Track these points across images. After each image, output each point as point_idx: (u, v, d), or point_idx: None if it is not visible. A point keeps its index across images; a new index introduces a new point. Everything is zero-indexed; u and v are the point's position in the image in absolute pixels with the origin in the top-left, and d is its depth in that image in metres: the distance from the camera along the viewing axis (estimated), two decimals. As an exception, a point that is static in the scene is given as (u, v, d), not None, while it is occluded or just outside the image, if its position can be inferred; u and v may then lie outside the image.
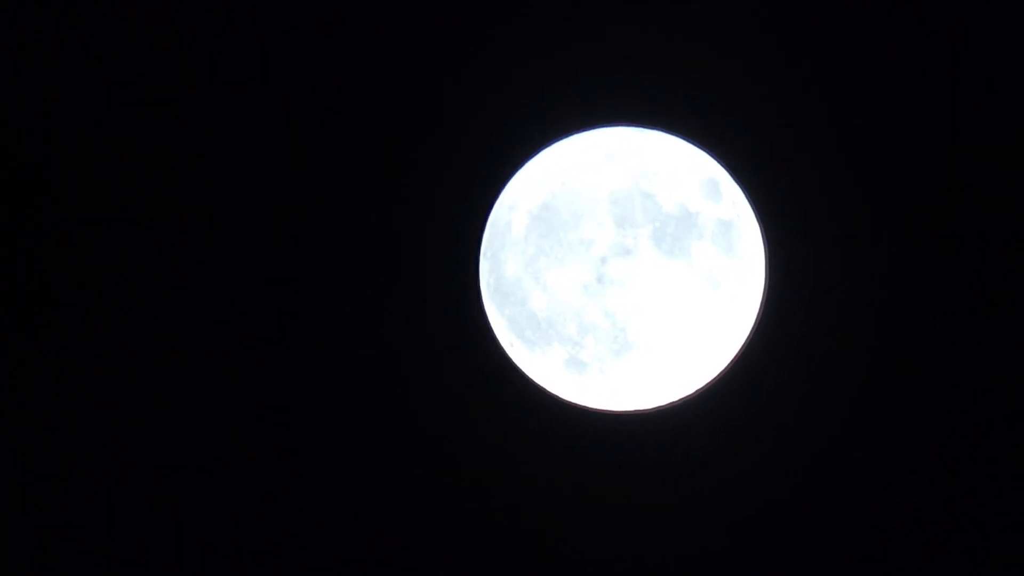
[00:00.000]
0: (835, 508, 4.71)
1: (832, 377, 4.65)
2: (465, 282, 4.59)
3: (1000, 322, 4.59)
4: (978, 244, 4.56)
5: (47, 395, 4.62)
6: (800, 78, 4.49)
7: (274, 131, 4.54)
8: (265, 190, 4.56)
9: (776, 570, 4.72)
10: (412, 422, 4.68)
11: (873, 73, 4.48)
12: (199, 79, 4.50)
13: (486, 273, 4.64)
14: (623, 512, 4.72)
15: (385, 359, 4.64)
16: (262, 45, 4.50)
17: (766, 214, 4.59)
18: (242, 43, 4.49)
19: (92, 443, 4.65)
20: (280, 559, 4.74)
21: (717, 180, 4.64)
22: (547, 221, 4.60)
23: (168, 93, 4.51)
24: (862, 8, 4.45)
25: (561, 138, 4.60)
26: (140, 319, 4.61)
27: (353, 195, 4.58)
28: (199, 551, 4.72)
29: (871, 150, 4.51)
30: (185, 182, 4.56)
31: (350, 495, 4.74)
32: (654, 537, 4.72)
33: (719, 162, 4.61)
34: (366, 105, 4.53)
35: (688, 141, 4.62)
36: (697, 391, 4.67)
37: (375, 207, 4.57)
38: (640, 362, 4.63)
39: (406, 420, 4.68)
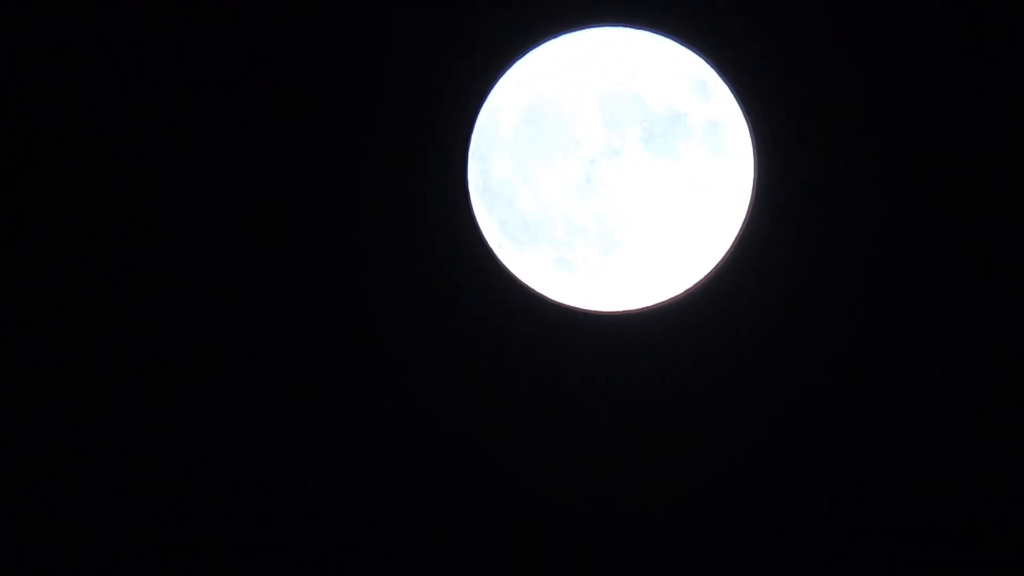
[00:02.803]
0: (829, 419, 4.73)
1: (822, 276, 4.65)
2: (453, 182, 4.56)
3: (993, 215, 4.58)
4: (968, 142, 4.54)
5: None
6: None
7: (256, 31, 4.50)
8: (244, 100, 4.53)
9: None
10: (400, 325, 4.68)
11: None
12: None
13: (475, 174, 4.64)
14: (613, 413, 4.73)
15: (373, 261, 4.63)
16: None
17: (754, 113, 4.57)
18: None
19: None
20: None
21: (705, 80, 4.64)
22: (535, 122, 4.60)
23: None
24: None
25: (549, 38, 4.57)
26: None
27: (340, 94, 4.55)
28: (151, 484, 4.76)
29: (860, 46, 4.48)
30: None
31: (344, 407, 4.76)
32: (640, 439, 4.75)
33: (707, 62, 4.59)
34: (349, 10, 4.49)
35: (677, 41, 4.59)
36: (686, 291, 4.68)
37: (362, 106, 4.54)
38: (629, 263, 4.65)
39: (393, 323, 4.67)
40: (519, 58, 4.57)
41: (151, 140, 4.53)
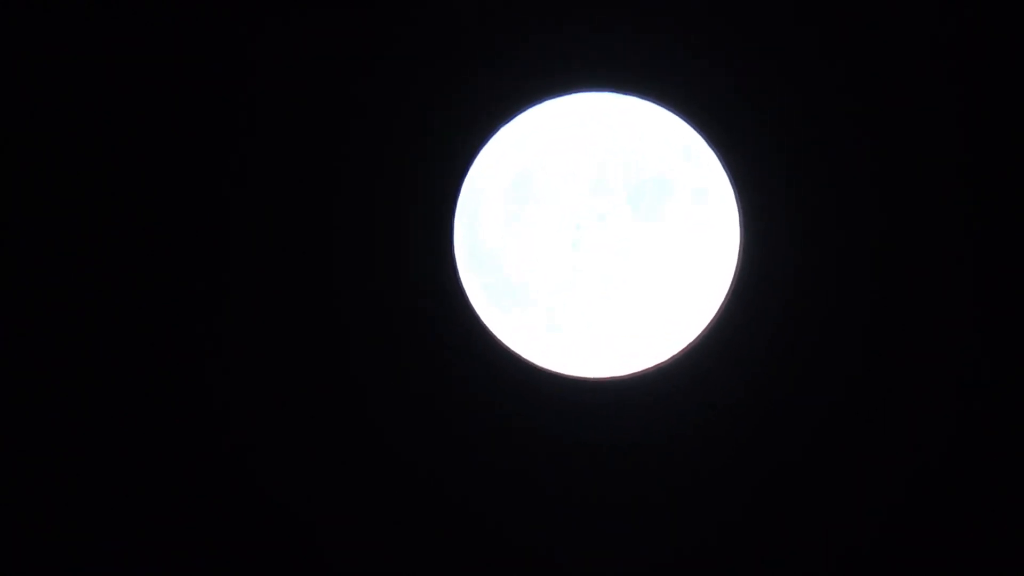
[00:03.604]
0: (814, 479, 4.69)
1: (808, 343, 4.64)
2: (440, 246, 4.55)
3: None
4: (949, 219, 4.58)
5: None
6: (776, 44, 4.51)
7: (236, 98, 4.51)
8: (227, 175, 4.53)
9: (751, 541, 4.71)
10: (385, 390, 4.62)
11: (848, 43, 4.51)
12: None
13: (461, 238, 4.61)
14: (598, 476, 4.67)
15: (359, 324, 4.59)
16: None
17: (741, 180, 4.59)
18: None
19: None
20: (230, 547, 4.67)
21: (692, 146, 4.66)
22: (522, 187, 4.60)
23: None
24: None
25: (537, 102, 4.59)
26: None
27: (327, 157, 4.54)
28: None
29: (846, 118, 4.53)
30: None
31: (326, 463, 4.68)
32: (628, 500, 4.69)
33: (694, 128, 4.61)
34: (340, 64, 4.50)
35: (665, 107, 4.62)
36: (673, 356, 4.65)
37: (347, 173, 4.53)
38: (616, 328, 4.62)
39: (378, 388, 4.62)
40: (506, 123, 4.59)
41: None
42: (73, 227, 4.52)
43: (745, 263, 4.61)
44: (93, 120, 4.48)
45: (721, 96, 4.53)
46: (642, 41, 4.51)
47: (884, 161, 4.53)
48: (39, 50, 4.46)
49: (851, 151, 4.53)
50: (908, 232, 4.55)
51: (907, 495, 4.66)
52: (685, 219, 4.61)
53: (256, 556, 4.70)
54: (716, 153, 4.61)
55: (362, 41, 4.46)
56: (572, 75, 4.56)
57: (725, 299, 4.64)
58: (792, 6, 4.46)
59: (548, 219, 4.56)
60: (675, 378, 4.64)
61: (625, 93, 4.61)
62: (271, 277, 4.55)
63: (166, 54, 4.47)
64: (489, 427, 4.65)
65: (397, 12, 4.43)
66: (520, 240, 4.56)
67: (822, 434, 4.64)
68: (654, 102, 4.61)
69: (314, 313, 4.60)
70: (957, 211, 4.54)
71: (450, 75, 4.51)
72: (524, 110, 4.59)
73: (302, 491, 4.66)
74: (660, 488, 4.70)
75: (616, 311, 4.60)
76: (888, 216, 4.53)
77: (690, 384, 4.65)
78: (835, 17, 4.48)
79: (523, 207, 4.58)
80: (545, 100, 4.59)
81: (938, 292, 4.58)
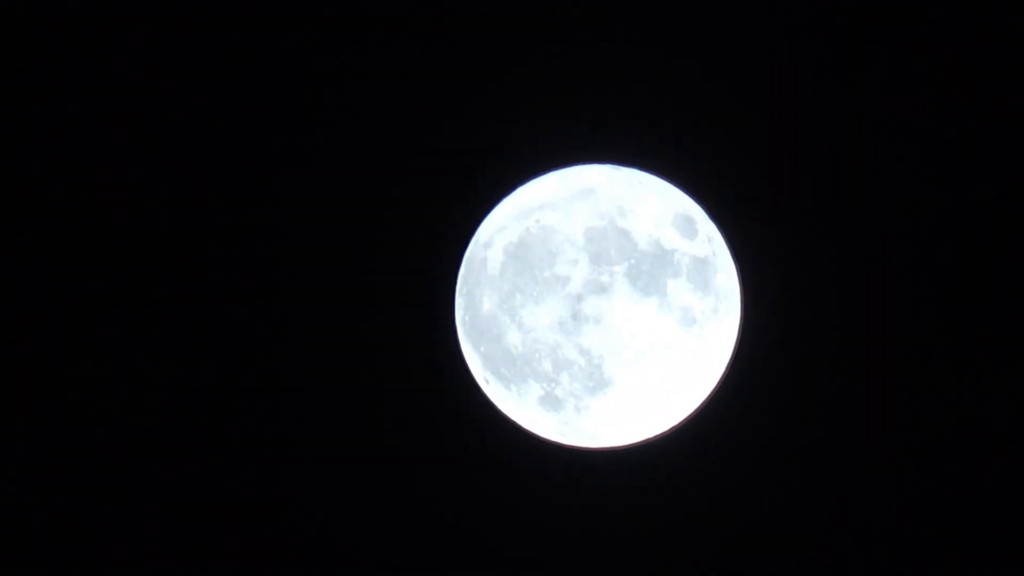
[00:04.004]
0: (811, 541, 4.70)
1: (807, 413, 4.65)
2: (440, 319, 4.58)
3: (973, 347, 4.60)
4: (946, 275, 4.57)
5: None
6: (774, 118, 4.52)
7: (247, 178, 4.55)
8: (237, 233, 4.56)
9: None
10: (386, 459, 4.66)
11: (844, 116, 4.51)
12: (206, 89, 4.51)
13: (461, 310, 4.64)
14: (598, 548, 4.69)
15: (359, 396, 4.63)
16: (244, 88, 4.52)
17: (741, 252, 4.60)
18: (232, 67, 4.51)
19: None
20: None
21: (692, 217, 4.66)
22: (522, 258, 4.61)
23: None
24: (832, 55, 4.49)
25: (536, 176, 4.61)
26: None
27: (328, 232, 4.58)
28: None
29: (844, 190, 4.54)
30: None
31: (326, 531, 4.71)
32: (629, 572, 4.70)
33: (694, 199, 4.62)
34: (341, 143, 4.54)
35: (663, 178, 4.63)
36: (672, 428, 4.66)
37: (349, 245, 4.57)
38: (616, 399, 4.62)
39: (380, 457, 4.66)
40: (506, 195, 4.61)
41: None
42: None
43: (745, 335, 4.62)
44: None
45: (723, 170, 4.55)
46: (644, 116, 4.53)
47: (886, 243, 4.54)
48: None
49: (854, 228, 4.53)
50: (911, 315, 4.56)
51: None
52: (685, 290, 4.60)
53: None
54: (717, 225, 4.61)
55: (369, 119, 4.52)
56: (573, 148, 4.58)
57: (725, 370, 4.65)
58: (808, 86, 4.49)
59: (548, 290, 4.57)
60: (673, 450, 4.65)
61: (626, 165, 4.63)
62: (278, 355, 4.60)
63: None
64: (488, 497, 4.68)
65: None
66: (520, 311, 4.57)
67: (827, 506, 4.65)
68: (654, 174, 4.62)
69: (315, 378, 4.64)
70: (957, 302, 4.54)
71: (450, 149, 4.54)
72: (524, 183, 4.61)
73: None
74: (656, 556, 4.72)
75: (615, 382, 4.60)
76: (889, 301, 4.53)
77: (689, 455, 4.66)
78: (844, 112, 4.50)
79: (523, 278, 4.59)
80: (546, 173, 4.61)
81: (933, 374, 4.58)
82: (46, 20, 4.41)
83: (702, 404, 4.65)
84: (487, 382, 4.65)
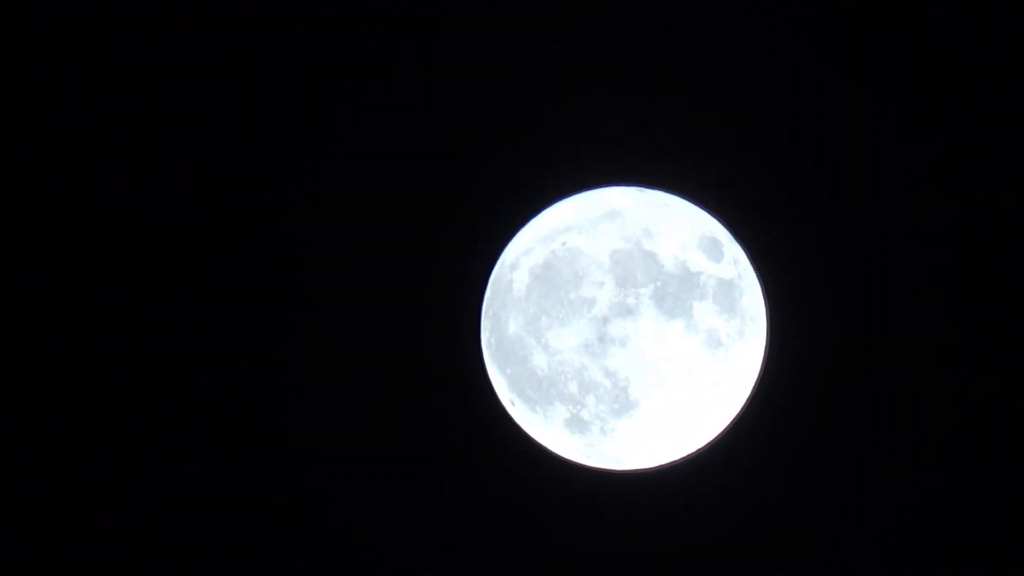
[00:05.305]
0: (837, 565, 4.67)
1: (834, 435, 4.63)
2: (466, 341, 4.60)
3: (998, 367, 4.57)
4: (972, 291, 4.55)
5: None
6: (802, 143, 4.52)
7: (270, 196, 4.58)
8: (259, 252, 4.59)
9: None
10: (413, 482, 4.68)
11: (869, 135, 4.50)
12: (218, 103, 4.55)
13: (487, 332, 4.65)
14: (623, 570, 4.69)
15: (385, 418, 4.65)
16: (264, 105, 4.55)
17: (767, 274, 4.60)
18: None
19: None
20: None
21: (718, 239, 4.66)
22: (548, 280, 4.61)
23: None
24: (857, 75, 4.48)
25: (562, 198, 4.62)
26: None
27: (354, 254, 4.61)
28: None
29: (873, 214, 4.53)
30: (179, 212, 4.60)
31: (354, 548, 4.73)
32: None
33: (720, 221, 4.62)
34: (367, 165, 4.57)
35: (689, 200, 4.63)
36: (699, 450, 4.65)
37: (376, 266, 4.60)
38: (642, 421, 4.62)
39: (407, 480, 4.67)
40: (532, 217, 4.62)
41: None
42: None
43: (771, 357, 4.61)
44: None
45: (750, 193, 4.54)
46: (668, 139, 4.54)
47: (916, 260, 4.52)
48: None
49: (883, 251, 4.52)
50: (944, 337, 4.54)
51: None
52: (711, 313, 4.60)
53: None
54: (743, 248, 4.61)
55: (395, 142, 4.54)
56: (599, 170, 4.59)
57: (751, 393, 4.64)
58: (806, 114, 4.48)
59: (574, 312, 4.58)
60: (699, 472, 4.64)
61: (653, 188, 4.63)
62: (302, 376, 4.63)
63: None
64: (515, 519, 4.69)
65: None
66: (546, 333, 4.57)
67: (841, 533, 4.63)
68: (680, 196, 4.62)
69: (343, 400, 4.66)
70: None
71: (477, 172, 4.55)
72: (550, 205, 4.62)
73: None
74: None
75: (641, 404, 4.60)
76: (918, 322, 4.51)
77: (714, 477, 4.65)
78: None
79: (549, 300, 4.59)
80: (572, 195, 4.62)
81: (967, 392, 4.55)
82: (46, 20, 4.44)
83: (728, 427, 4.64)
84: (513, 404, 4.66)
